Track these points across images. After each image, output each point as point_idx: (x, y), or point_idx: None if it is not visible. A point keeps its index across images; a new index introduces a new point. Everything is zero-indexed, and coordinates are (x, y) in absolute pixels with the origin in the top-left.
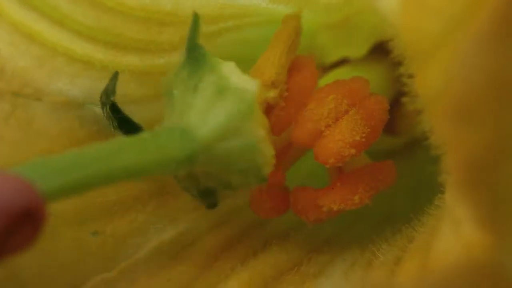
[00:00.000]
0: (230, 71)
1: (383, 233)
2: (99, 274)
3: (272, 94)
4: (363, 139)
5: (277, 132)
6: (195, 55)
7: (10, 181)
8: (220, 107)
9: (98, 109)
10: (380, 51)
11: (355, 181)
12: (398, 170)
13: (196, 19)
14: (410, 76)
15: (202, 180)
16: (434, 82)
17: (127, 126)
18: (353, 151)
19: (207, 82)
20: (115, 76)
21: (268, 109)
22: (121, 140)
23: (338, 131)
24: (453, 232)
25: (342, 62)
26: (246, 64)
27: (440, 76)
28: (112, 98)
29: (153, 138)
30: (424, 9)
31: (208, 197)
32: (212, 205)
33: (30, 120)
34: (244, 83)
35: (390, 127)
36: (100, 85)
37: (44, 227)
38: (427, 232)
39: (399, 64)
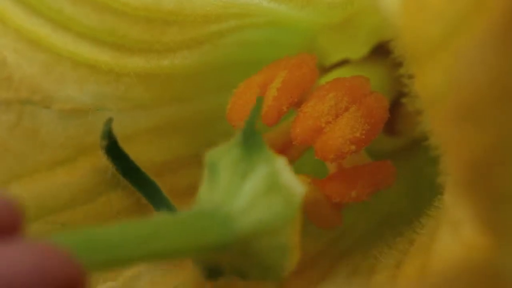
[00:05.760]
0: (282, 168)
1: (384, 236)
2: (104, 283)
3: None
4: (363, 136)
5: (268, 122)
6: (251, 142)
7: (55, 255)
8: (266, 204)
9: (106, 114)
10: (381, 51)
11: (354, 177)
12: (398, 171)
13: (259, 104)
14: (411, 77)
15: (219, 263)
16: (434, 83)
17: (126, 167)
18: (353, 147)
19: (259, 173)
20: (109, 120)
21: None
22: (163, 219)
23: (338, 127)
24: (452, 233)
25: (342, 63)
26: (247, 67)
27: (441, 77)
28: (107, 141)
29: (194, 221)
30: (425, 10)
31: (212, 273)
32: (212, 278)
33: (36, 130)
34: (293, 184)
35: (390, 128)
36: (108, 89)
37: None
38: (427, 234)
39: (399, 64)
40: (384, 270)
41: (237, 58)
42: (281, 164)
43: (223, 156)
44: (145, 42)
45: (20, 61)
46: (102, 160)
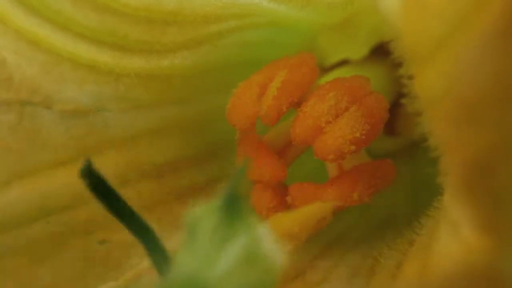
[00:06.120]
0: (263, 236)
1: (384, 236)
2: (105, 283)
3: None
4: (363, 136)
5: (268, 122)
6: (234, 207)
7: None
8: (245, 273)
9: (106, 115)
10: (381, 52)
11: (354, 179)
12: (398, 172)
13: (243, 169)
14: (410, 77)
15: None
16: (434, 84)
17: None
18: (353, 147)
19: (239, 242)
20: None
21: None
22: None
23: (338, 127)
24: (452, 234)
25: (342, 63)
26: (247, 67)
27: (440, 78)
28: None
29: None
30: (425, 11)
31: None
32: None
33: (37, 130)
34: (274, 254)
35: (390, 128)
36: (108, 90)
37: None
38: (427, 235)
39: (399, 65)
40: (384, 271)
41: (237, 58)
42: (263, 232)
43: (204, 219)
44: (145, 43)
45: (20, 61)
46: (103, 160)
